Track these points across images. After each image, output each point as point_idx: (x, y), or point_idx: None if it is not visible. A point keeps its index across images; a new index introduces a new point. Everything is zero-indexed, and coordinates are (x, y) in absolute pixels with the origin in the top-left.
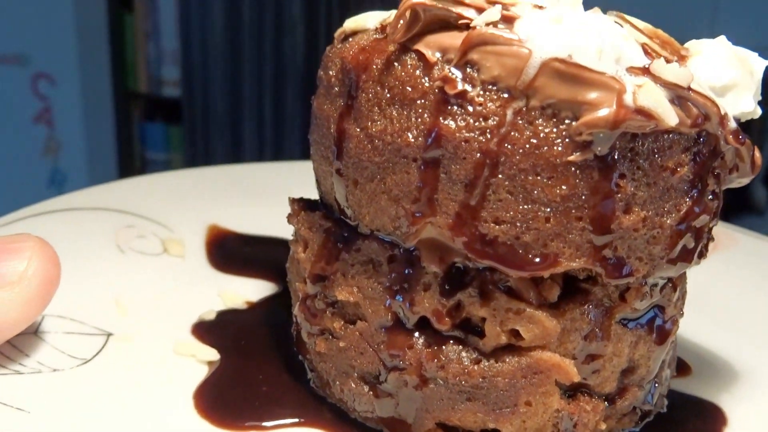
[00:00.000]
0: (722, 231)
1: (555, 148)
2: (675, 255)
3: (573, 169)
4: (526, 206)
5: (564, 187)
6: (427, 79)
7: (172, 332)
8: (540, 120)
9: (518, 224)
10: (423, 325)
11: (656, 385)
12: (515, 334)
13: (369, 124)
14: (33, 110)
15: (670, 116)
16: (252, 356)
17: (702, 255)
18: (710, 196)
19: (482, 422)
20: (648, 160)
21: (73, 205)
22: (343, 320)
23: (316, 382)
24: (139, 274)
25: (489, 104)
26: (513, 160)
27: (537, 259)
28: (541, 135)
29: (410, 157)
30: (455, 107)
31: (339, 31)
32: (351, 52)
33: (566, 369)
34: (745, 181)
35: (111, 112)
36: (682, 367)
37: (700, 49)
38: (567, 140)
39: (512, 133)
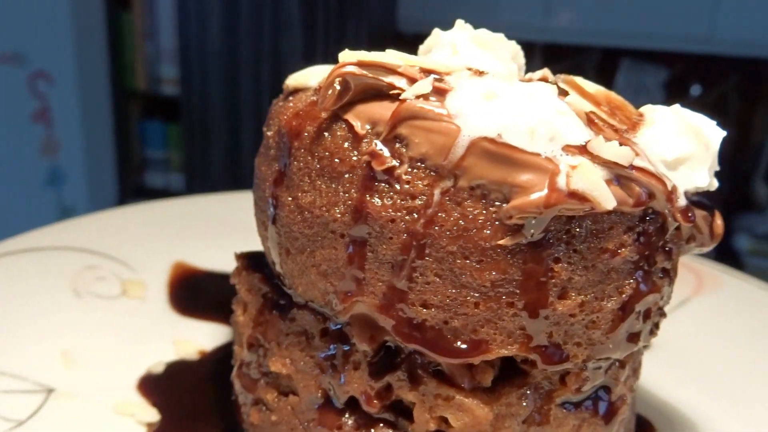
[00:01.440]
0: (707, 271)
1: (484, 231)
2: (618, 338)
3: (503, 253)
4: (454, 290)
5: (494, 272)
6: (356, 152)
7: (116, 388)
8: (469, 201)
9: (447, 309)
10: (355, 405)
11: None
12: (446, 420)
13: (300, 194)
14: (31, 109)
15: (606, 199)
16: (192, 420)
17: (652, 333)
18: (660, 274)
19: None
20: (586, 243)
21: (34, 245)
22: (277, 392)
23: None
24: (93, 320)
25: (417, 182)
26: (440, 243)
27: (466, 346)
28: (470, 217)
29: (338, 233)
30: (382, 184)
31: (285, 83)
32: (286, 116)
33: None
34: (705, 249)
35: (109, 110)
36: (644, 428)
37: (653, 117)
38: (497, 223)
39: (440, 214)
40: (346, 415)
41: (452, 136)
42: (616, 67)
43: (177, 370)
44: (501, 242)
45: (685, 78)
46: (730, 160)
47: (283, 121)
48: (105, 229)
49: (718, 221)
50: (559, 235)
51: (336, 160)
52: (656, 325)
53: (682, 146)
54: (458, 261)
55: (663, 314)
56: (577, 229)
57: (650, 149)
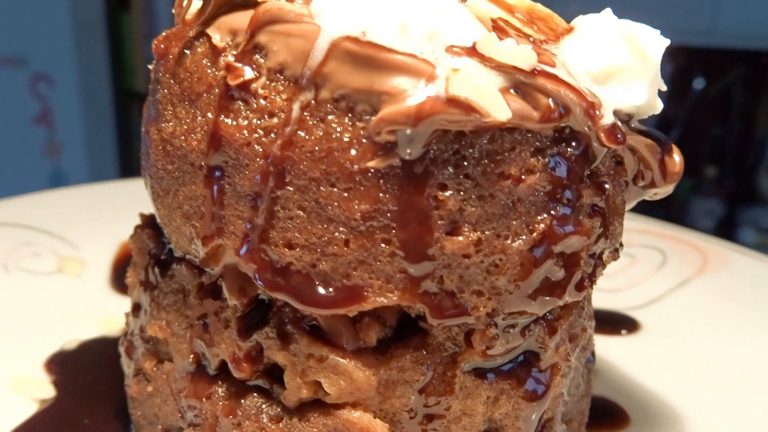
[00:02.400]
0: (714, 249)
1: (351, 151)
2: (533, 288)
3: (375, 178)
4: (321, 226)
5: (364, 202)
6: (214, 69)
7: (21, 364)
8: (332, 116)
9: (313, 249)
10: (229, 371)
11: None
12: (322, 388)
13: (163, 125)
14: (33, 112)
15: (497, 108)
16: (88, 397)
17: (581, 288)
18: (588, 213)
19: None
20: (480, 167)
21: None
22: (156, 360)
23: None
24: (18, 296)
25: (274, 97)
26: (302, 167)
27: (338, 294)
28: (334, 135)
29: (196, 165)
30: (238, 102)
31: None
32: (157, 40)
33: None
34: (662, 192)
35: (111, 111)
36: (617, 417)
37: (580, 27)
38: (365, 141)
39: (300, 133)
40: (219, 384)
41: (311, 39)
42: None
43: (90, 347)
44: (370, 164)
45: (688, 71)
46: (735, 153)
47: (153, 46)
48: (47, 207)
49: (675, 158)
50: (446, 157)
51: (195, 79)
52: (590, 278)
53: (612, 57)
54: (323, 189)
55: (601, 264)
56: (469, 150)
57: (573, 61)
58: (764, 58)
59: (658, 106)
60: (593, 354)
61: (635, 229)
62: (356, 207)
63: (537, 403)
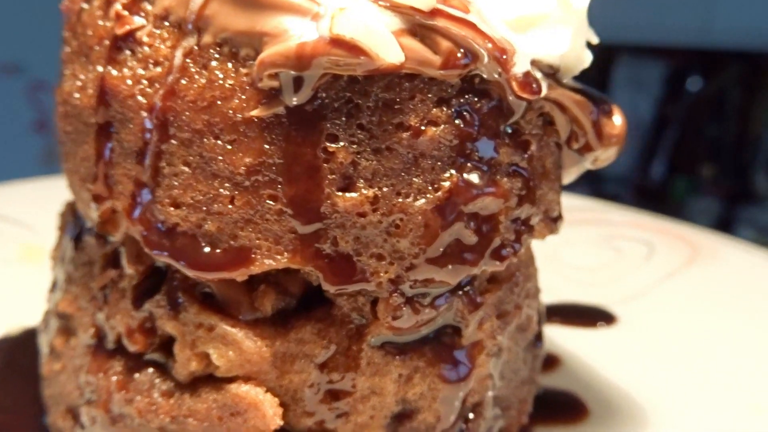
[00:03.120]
0: (704, 241)
1: (234, 99)
2: (441, 253)
3: (258, 128)
4: (206, 182)
5: (249, 155)
6: (105, 20)
7: None
8: (216, 62)
9: (199, 207)
10: None
11: None
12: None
13: (63, 85)
14: (30, 120)
15: (387, 50)
16: (13, 380)
17: (501, 256)
18: (507, 172)
19: None
20: (375, 116)
21: None
22: (66, 336)
23: (48, 417)
24: None
25: (159, 45)
26: (185, 118)
27: (224, 255)
28: (217, 83)
29: (89, 124)
30: (125, 52)
31: None
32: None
33: (263, 411)
34: (603, 158)
35: None
36: (576, 410)
37: None
38: (249, 88)
39: (182, 81)
40: (117, 359)
41: None
42: (613, 63)
43: (33, 334)
44: (254, 113)
45: (683, 71)
46: (732, 152)
47: (62, 7)
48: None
49: (615, 120)
50: (337, 105)
51: (89, 33)
52: (512, 244)
53: (532, 3)
54: (207, 142)
55: (528, 231)
56: (363, 98)
57: (490, 7)
58: (760, 57)
59: (586, 59)
60: (540, 339)
61: (623, 222)
62: (240, 160)
63: (458, 384)
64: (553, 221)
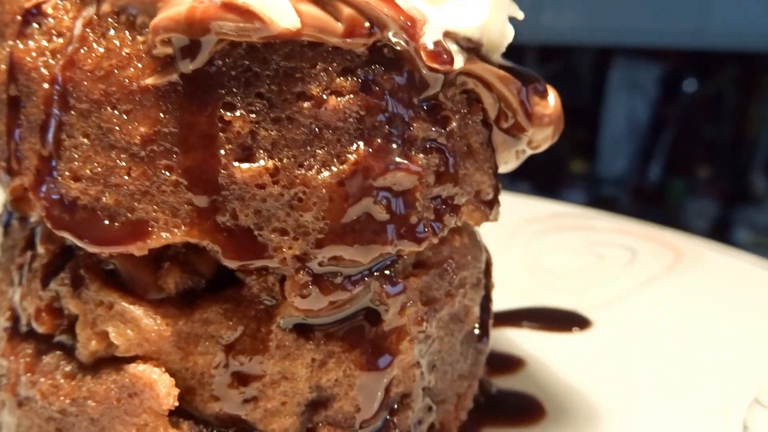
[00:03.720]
0: (688, 246)
1: (130, 68)
2: (347, 229)
3: (154, 96)
4: (104, 154)
5: (144, 124)
6: None
7: None
8: (114, 31)
9: (98, 180)
10: None
11: (393, 429)
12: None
13: None
14: None
15: (281, 15)
16: None
17: (417, 235)
18: (422, 147)
19: None
20: (276, 86)
21: None
22: None
23: None
24: None
25: (62, 16)
26: (82, 89)
27: (122, 229)
28: (115, 52)
29: (2, 100)
30: (33, 25)
31: None
32: None
33: (157, 391)
34: (538, 139)
35: None
36: (532, 411)
37: None
38: (145, 56)
39: (81, 51)
40: (28, 341)
41: None
42: (609, 66)
43: None
44: (149, 81)
45: (679, 73)
46: (728, 153)
47: None
48: None
49: (548, 100)
50: (234, 74)
51: (6, 10)
52: (432, 224)
53: None
54: (104, 112)
55: (451, 211)
56: (262, 66)
57: None
58: (754, 58)
59: (509, 34)
60: (485, 335)
61: (608, 228)
62: (136, 130)
63: (378, 372)
64: (487, 205)
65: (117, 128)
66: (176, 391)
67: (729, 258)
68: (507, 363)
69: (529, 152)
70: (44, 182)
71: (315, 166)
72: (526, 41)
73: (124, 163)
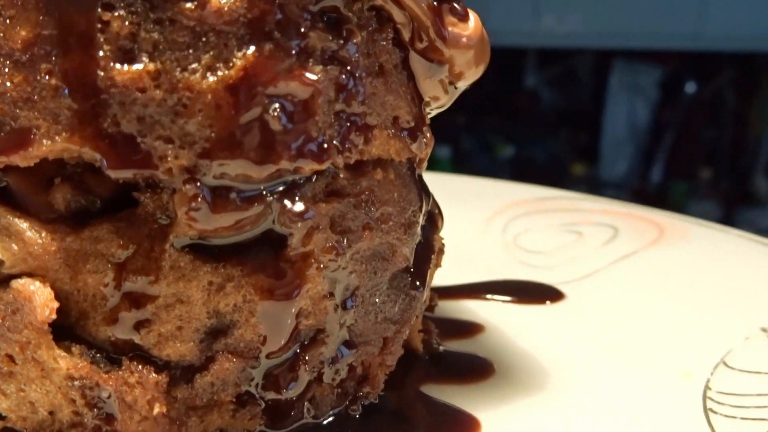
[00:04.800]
0: (673, 222)
1: None
2: (237, 139)
3: (35, 0)
4: None
5: (26, 28)
6: None
7: None
8: None
9: None
10: None
11: (301, 366)
12: None
13: None
14: None
15: None
16: None
17: (317, 152)
18: (324, 58)
19: None
20: None
21: None
22: None
23: None
24: None
25: None
26: None
27: (7, 139)
28: None
29: None
30: None
31: None
32: None
33: (34, 303)
34: (460, 63)
35: None
36: (480, 369)
37: None
38: None
39: None
40: None
41: None
42: (610, 69)
43: None
44: None
45: (679, 76)
46: (729, 155)
47: None
48: None
49: (468, 22)
50: None
51: None
52: (336, 143)
53: None
54: None
55: (356, 130)
56: None
57: None
58: (754, 59)
59: None
60: (422, 283)
61: (591, 209)
62: (18, 35)
63: (280, 299)
64: (409, 135)
65: (2, 34)
66: (55, 304)
67: (714, 232)
68: (464, 329)
69: (459, 86)
70: None
71: (200, 71)
72: (526, 45)
73: (7, 70)
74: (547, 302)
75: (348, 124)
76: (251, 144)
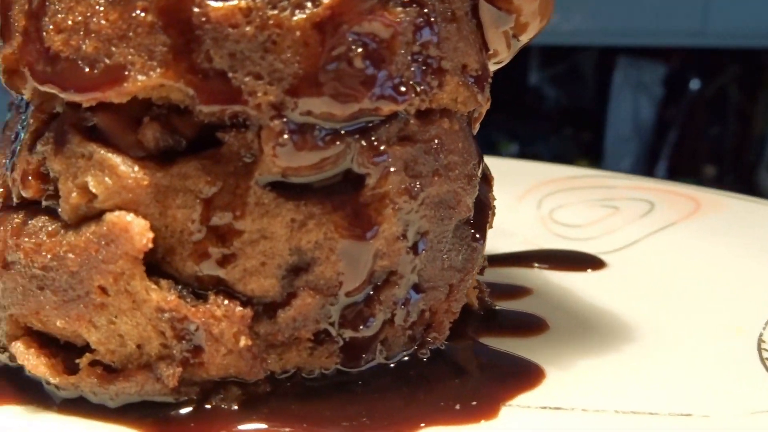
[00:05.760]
0: (709, 197)
1: None
2: (323, 77)
3: None
4: (85, 2)
5: None
6: None
7: None
8: None
9: (78, 28)
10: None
11: (376, 306)
12: (92, 191)
13: None
14: None
15: None
16: None
17: (396, 93)
18: (403, 1)
19: (61, 323)
20: None
21: None
22: None
23: None
24: None
25: None
26: None
27: (101, 76)
28: None
29: None
30: None
31: None
32: None
33: (131, 232)
34: (527, 12)
35: None
36: (534, 325)
37: None
38: None
39: None
40: (18, 213)
41: None
42: (613, 66)
43: None
44: None
45: (683, 73)
46: (734, 152)
47: None
48: None
49: None
50: None
51: None
52: (414, 84)
53: None
54: None
55: (432, 73)
56: None
57: None
58: (758, 55)
59: None
60: (482, 237)
61: (625, 185)
62: None
63: (360, 239)
64: (475, 83)
65: None
66: (151, 234)
67: (752, 204)
68: (512, 291)
69: (521, 39)
70: (30, 41)
71: (289, 8)
72: (530, 42)
73: (102, 9)
74: (589, 270)
75: (424, 67)
76: (335, 82)
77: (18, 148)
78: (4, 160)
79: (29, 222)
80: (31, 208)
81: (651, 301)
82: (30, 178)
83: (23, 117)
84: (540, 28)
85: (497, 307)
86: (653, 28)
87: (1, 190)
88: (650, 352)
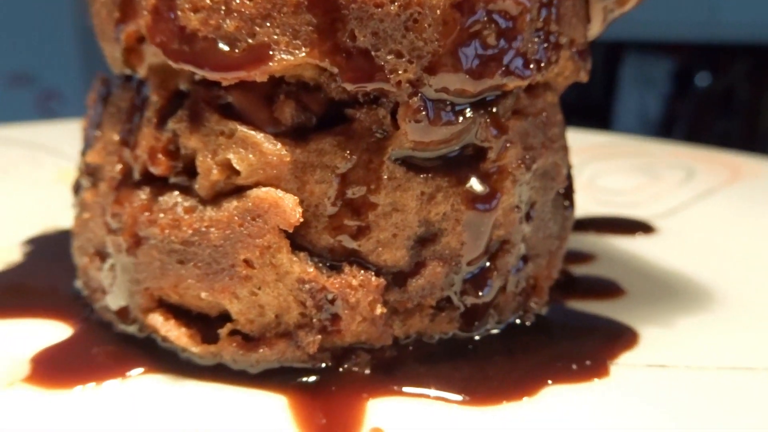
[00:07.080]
0: (746, 162)
1: None
2: (459, 54)
3: None
4: None
5: None
6: None
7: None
8: None
9: (218, 9)
10: (153, 178)
11: (493, 273)
12: (233, 168)
13: None
14: None
15: None
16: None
17: (522, 69)
18: None
19: (205, 295)
20: None
21: None
22: (95, 188)
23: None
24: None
25: None
26: None
27: (244, 55)
28: None
29: None
30: None
31: None
32: None
33: (283, 207)
34: None
35: None
36: (612, 288)
37: None
38: None
39: None
40: (142, 188)
41: None
42: (620, 61)
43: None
44: None
45: (691, 67)
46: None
47: None
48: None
49: None
50: None
51: None
52: (537, 60)
53: None
54: None
55: (552, 48)
56: None
57: None
58: (767, 50)
59: None
60: (571, 204)
61: (662, 152)
62: None
63: (483, 209)
64: (581, 57)
65: None
66: (300, 209)
67: None
68: (578, 257)
69: (615, 14)
70: (162, 19)
71: None
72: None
73: None
74: (638, 234)
75: (545, 44)
76: (471, 59)
77: (140, 125)
78: (115, 136)
79: (159, 198)
80: (155, 184)
81: (714, 263)
82: (159, 155)
83: (138, 95)
84: (639, 1)
85: (574, 273)
86: (661, 23)
87: (120, 166)
88: (732, 312)
